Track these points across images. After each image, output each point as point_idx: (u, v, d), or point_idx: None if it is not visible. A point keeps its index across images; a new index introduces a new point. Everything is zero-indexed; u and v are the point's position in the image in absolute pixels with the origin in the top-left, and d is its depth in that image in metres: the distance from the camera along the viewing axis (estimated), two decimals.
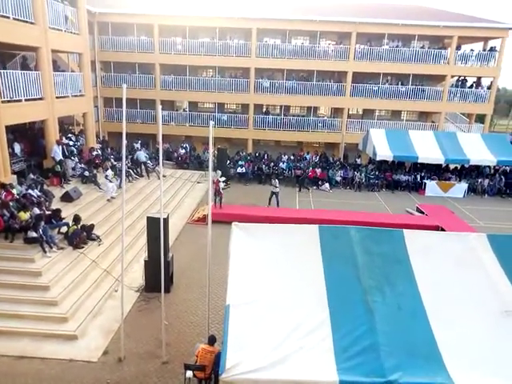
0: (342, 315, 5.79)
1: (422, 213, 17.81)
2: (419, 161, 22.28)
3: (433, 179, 22.28)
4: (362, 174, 22.51)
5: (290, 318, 5.72)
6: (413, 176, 22.75)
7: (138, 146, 22.83)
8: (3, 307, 9.23)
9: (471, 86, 26.56)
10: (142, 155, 19.41)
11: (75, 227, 11.59)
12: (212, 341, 6.85)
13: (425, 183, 22.08)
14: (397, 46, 25.77)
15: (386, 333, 5.55)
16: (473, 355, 5.34)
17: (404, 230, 6.93)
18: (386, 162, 23.49)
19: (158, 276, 8.44)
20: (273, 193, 18.07)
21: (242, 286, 6.11)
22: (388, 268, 6.42)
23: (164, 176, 19.02)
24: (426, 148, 22.07)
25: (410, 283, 6.23)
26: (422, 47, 25.92)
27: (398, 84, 26.26)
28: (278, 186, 18.05)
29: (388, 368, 5.15)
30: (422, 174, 22.75)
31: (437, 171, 23.09)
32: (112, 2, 25.79)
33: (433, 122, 27.38)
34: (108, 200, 14.85)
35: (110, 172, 15.55)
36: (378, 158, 22.14)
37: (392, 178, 22.62)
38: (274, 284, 6.19)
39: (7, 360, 8.11)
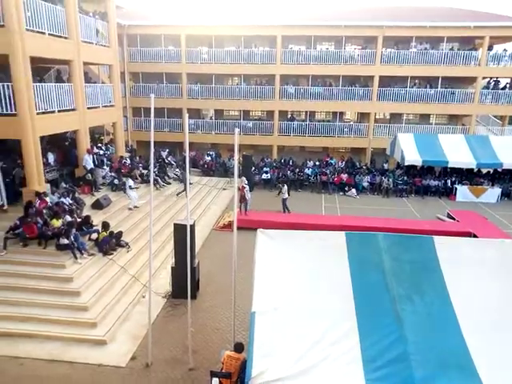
0: (370, 324, 5.66)
1: (453, 219, 17.25)
2: (449, 165, 21.64)
3: (464, 184, 21.56)
4: (390, 180, 22.05)
5: (317, 326, 5.64)
6: (443, 181, 22.09)
7: (165, 154, 23.30)
8: (36, 311, 9.55)
9: (504, 88, 25.66)
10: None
11: (104, 234, 11.87)
12: (239, 348, 6.79)
13: (456, 188, 21.39)
14: (425, 49, 25.23)
15: (417, 342, 5.38)
16: (508, 366, 5.10)
17: (434, 237, 6.73)
18: (414, 166, 22.95)
19: (184, 282, 8.51)
20: (283, 199, 18.16)
21: (267, 292, 6.07)
22: (418, 276, 6.25)
23: (190, 183, 19.25)
24: (457, 152, 21.41)
25: (440, 291, 6.03)
26: (451, 49, 25.27)
27: (426, 87, 25.69)
28: (286, 192, 18.17)
29: (419, 379, 4.99)
30: (453, 179, 22.06)
31: (468, 176, 22.35)
32: (140, 14, 26.56)
33: (463, 125, 26.58)
34: (130, 209, 14.87)
35: (131, 181, 15.60)
36: (406, 163, 21.65)
37: (421, 183, 22.04)
38: (300, 291, 6.13)
39: (39, 363, 8.36)
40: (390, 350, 5.33)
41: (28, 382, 7.89)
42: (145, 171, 18.07)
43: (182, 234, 9.66)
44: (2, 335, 9.04)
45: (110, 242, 11.87)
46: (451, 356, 5.25)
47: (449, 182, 21.99)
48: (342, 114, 27.50)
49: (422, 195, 21.70)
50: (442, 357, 5.24)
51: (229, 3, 30.58)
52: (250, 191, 19.29)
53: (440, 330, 5.57)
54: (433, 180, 22.25)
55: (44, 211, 11.64)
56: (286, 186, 18.51)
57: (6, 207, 12.45)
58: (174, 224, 10.74)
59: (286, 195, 18.22)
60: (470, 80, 25.42)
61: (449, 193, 21.69)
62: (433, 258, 6.45)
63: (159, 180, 18.39)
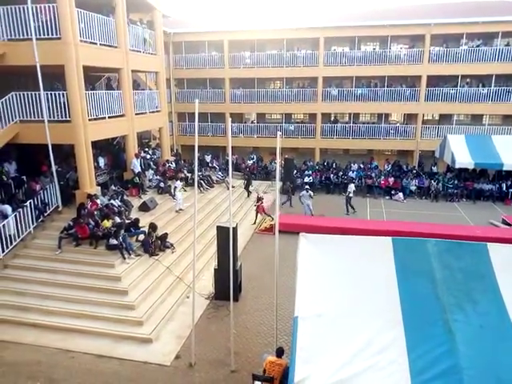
0: (418, 334, 5.41)
1: (509, 225, 16.22)
2: (505, 168, 20.36)
3: None
4: (439, 183, 21.13)
5: (361, 333, 5.47)
6: (497, 185, 20.88)
7: (209, 158, 23.73)
8: (88, 309, 10.02)
9: None
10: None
11: (143, 236, 12.22)
12: (280, 353, 6.76)
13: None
14: (477, 46, 24.00)
15: (470, 356, 5.06)
16: None
17: (488, 244, 6.34)
18: (466, 169, 21.85)
19: (227, 284, 8.59)
20: (349, 198, 18.45)
21: (310, 297, 5.98)
22: (470, 284, 5.90)
23: (233, 187, 19.45)
24: None
25: (495, 301, 5.66)
26: (507, 45, 23.86)
27: (478, 86, 24.41)
28: (352, 191, 18.50)
29: None
30: (509, 183, 20.80)
31: None
32: (185, 22, 27.31)
33: None
34: (176, 211, 15.25)
35: (178, 183, 16.10)
36: (457, 166, 20.62)
37: (473, 187, 20.95)
38: (343, 297, 5.98)
39: (90, 358, 8.75)
40: (439, 362, 5.05)
41: (79, 375, 8.27)
42: (189, 174, 18.47)
43: (224, 236, 9.77)
44: (56, 329, 9.56)
45: (155, 243, 12.21)
46: (509, 371, 4.90)
47: (504, 185, 20.76)
48: (387, 115, 26.72)
49: (474, 200, 20.61)
50: (498, 372, 4.90)
51: (270, 7, 30.71)
52: (293, 195, 19.35)
53: (496, 342, 5.21)
54: (486, 184, 21.09)
55: (95, 213, 12.21)
56: (352, 185, 18.75)
57: (60, 209, 13.21)
58: (217, 226, 10.87)
59: (352, 194, 18.49)
60: None
61: (504, 197, 20.48)
62: (487, 266, 6.07)
63: (203, 183, 18.73)
